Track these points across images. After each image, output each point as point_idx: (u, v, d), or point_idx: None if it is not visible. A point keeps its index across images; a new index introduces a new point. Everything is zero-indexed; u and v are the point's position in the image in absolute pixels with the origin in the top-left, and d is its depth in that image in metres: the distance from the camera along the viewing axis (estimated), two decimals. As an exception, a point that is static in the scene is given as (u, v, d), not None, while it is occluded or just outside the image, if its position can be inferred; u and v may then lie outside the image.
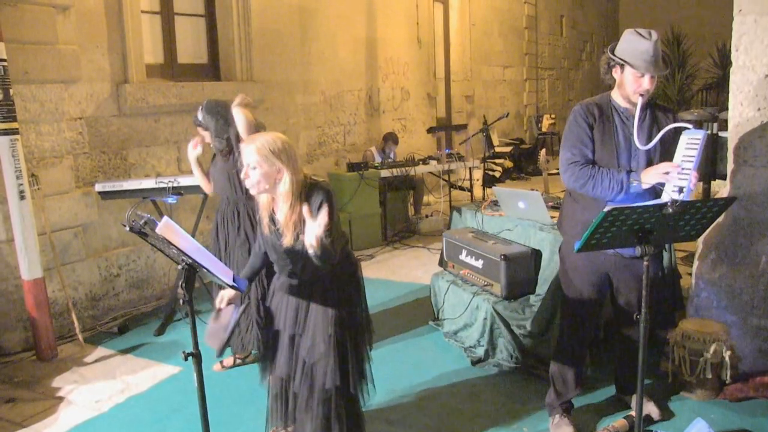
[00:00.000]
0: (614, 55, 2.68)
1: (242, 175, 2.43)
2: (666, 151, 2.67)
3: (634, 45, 2.62)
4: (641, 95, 2.62)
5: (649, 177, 2.58)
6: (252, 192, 2.46)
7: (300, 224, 2.38)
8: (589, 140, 2.72)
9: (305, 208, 2.29)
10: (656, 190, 2.68)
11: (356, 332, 2.61)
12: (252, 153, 2.37)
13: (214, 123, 3.55)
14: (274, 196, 2.46)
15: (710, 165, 3.97)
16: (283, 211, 2.41)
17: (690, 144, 2.56)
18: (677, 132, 2.64)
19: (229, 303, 2.59)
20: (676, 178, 2.50)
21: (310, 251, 2.29)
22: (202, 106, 3.62)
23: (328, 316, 2.52)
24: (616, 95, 2.78)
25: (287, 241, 2.42)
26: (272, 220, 2.51)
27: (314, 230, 2.26)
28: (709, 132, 3.69)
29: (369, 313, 2.77)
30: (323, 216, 2.28)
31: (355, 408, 2.67)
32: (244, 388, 3.57)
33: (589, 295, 2.92)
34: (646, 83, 2.61)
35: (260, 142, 2.38)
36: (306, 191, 2.41)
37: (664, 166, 2.56)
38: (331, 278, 2.55)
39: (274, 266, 2.64)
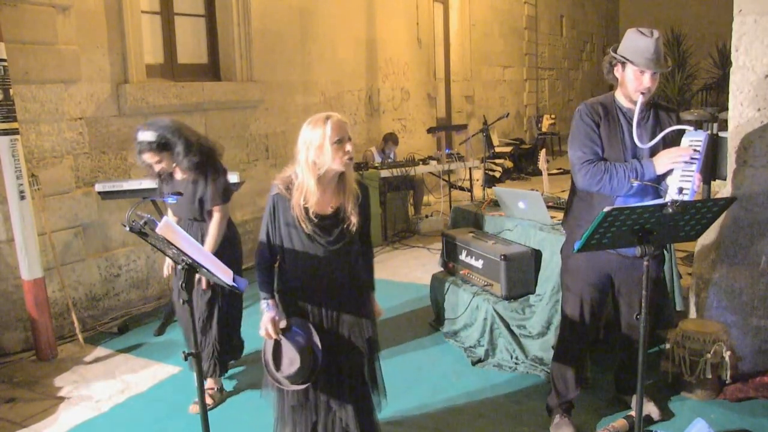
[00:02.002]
0: (616, 53, 2.70)
1: (346, 148, 2.25)
2: (667, 152, 2.67)
3: (635, 43, 2.63)
4: (642, 93, 2.62)
5: (661, 162, 2.60)
6: (346, 168, 2.30)
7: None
8: (598, 137, 2.73)
9: None
10: (657, 191, 2.69)
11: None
12: (346, 125, 2.28)
13: (183, 142, 3.29)
14: (327, 182, 2.31)
15: (710, 165, 3.97)
16: (348, 194, 2.33)
17: (691, 146, 2.57)
18: (679, 133, 2.65)
19: (283, 328, 2.38)
20: (683, 167, 2.54)
21: None
22: (157, 130, 3.31)
23: (362, 320, 2.44)
24: (619, 95, 2.78)
25: (354, 223, 2.32)
26: (308, 215, 2.31)
27: None
28: (709, 132, 3.68)
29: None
30: None
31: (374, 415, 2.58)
32: (244, 388, 3.57)
33: (590, 296, 2.92)
34: (647, 81, 2.62)
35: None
36: None
37: (675, 150, 2.58)
38: (367, 279, 2.48)
39: (301, 276, 2.40)
